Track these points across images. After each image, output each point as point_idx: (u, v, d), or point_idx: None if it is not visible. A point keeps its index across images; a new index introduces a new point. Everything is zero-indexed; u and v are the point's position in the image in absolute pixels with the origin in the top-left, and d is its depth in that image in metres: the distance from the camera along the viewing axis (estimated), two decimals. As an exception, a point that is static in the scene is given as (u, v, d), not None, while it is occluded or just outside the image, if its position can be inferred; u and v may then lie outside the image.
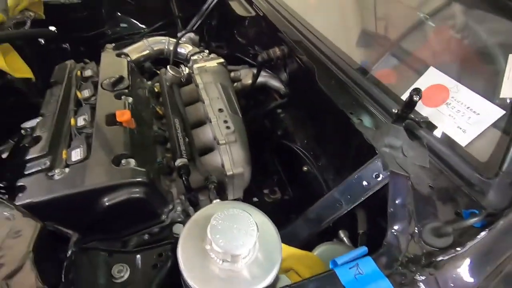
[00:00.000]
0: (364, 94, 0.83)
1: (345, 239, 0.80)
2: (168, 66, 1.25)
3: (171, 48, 1.50)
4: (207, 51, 1.44)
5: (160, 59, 1.55)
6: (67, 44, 1.56)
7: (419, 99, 0.62)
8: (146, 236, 0.80)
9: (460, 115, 0.65)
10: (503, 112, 0.62)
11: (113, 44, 1.50)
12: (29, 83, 1.04)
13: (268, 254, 0.53)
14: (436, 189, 0.58)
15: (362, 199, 0.73)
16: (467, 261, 0.48)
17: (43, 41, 1.30)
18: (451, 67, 0.75)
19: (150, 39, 1.55)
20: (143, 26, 1.91)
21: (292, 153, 1.28)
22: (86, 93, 1.00)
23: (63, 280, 0.54)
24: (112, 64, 1.13)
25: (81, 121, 0.88)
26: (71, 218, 0.70)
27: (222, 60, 1.34)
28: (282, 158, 1.46)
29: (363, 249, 0.52)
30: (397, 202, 0.58)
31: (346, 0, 1.42)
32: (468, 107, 0.65)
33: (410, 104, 0.64)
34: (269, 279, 0.50)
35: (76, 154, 0.78)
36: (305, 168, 1.23)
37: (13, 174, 0.76)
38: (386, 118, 0.75)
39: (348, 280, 0.48)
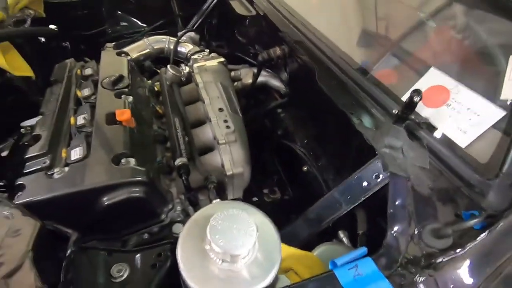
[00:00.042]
0: (365, 94, 0.83)
1: (344, 239, 0.80)
2: (168, 65, 1.25)
3: (171, 47, 1.50)
4: (207, 50, 1.44)
5: (160, 58, 1.55)
6: (67, 43, 1.56)
7: (420, 100, 0.62)
8: (145, 236, 0.80)
9: (460, 116, 0.65)
10: (504, 113, 0.62)
11: (113, 43, 1.50)
12: (29, 81, 1.04)
13: (267, 254, 0.53)
14: (436, 190, 0.58)
15: (362, 199, 0.73)
16: (467, 263, 0.48)
17: (43, 39, 1.29)
18: (452, 68, 0.74)
19: (151, 38, 1.54)
20: (144, 25, 1.91)
21: (292, 153, 1.28)
22: (86, 92, 1.00)
23: (62, 279, 0.54)
24: (112, 63, 1.13)
25: (81, 120, 0.88)
26: (70, 217, 0.71)
27: (222, 59, 1.34)
28: (282, 158, 1.46)
29: (363, 250, 0.52)
30: (397, 203, 0.58)
31: (347, 0, 1.42)
32: (468, 108, 0.65)
33: (410, 105, 0.64)
34: (268, 279, 0.50)
35: (76, 153, 0.78)
36: (305, 168, 1.23)
37: (13, 172, 0.76)
38: (386, 118, 0.74)
39: (348, 281, 0.48)
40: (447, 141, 0.64)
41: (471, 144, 0.62)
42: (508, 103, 0.62)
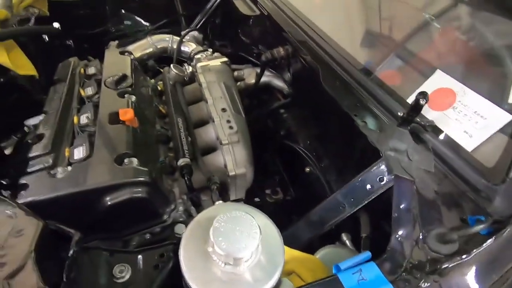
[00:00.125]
0: (369, 96, 0.83)
1: (347, 242, 0.79)
2: (171, 65, 1.24)
3: (175, 46, 1.50)
4: (210, 49, 1.43)
5: (163, 57, 1.55)
6: (71, 41, 1.56)
7: (426, 103, 0.61)
8: (147, 236, 0.80)
9: (466, 120, 0.64)
10: (511, 117, 0.61)
11: (117, 42, 1.50)
12: (33, 80, 1.04)
13: (270, 257, 0.52)
14: (441, 194, 0.57)
15: (366, 202, 0.72)
16: (473, 269, 0.47)
17: (47, 38, 1.29)
18: (458, 70, 0.74)
19: (154, 37, 1.54)
20: (147, 24, 1.91)
21: (295, 154, 1.27)
22: (89, 91, 1.00)
23: (64, 279, 0.54)
24: (116, 62, 1.13)
25: (84, 119, 0.88)
26: (73, 217, 0.70)
27: (225, 59, 1.33)
28: (284, 158, 1.45)
29: (367, 254, 0.52)
30: (401, 206, 0.57)
31: (351, 0, 1.41)
32: (475, 112, 0.64)
33: (416, 108, 0.63)
34: (271, 283, 0.50)
35: (79, 153, 0.78)
36: (307, 169, 1.22)
37: (16, 171, 0.76)
38: (391, 120, 0.74)
39: (351, 285, 0.47)
40: (452, 145, 0.63)
41: (477, 148, 0.61)
42: (516, 106, 0.61)
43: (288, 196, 1.38)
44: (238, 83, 1.40)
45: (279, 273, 0.51)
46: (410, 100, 0.75)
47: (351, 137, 0.92)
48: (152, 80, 1.29)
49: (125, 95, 0.96)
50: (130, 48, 1.43)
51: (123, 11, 1.88)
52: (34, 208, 0.60)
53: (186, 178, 0.87)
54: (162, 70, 1.32)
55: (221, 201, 0.84)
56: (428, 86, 0.73)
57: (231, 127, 0.99)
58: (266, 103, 1.47)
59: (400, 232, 0.54)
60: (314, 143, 1.23)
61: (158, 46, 1.52)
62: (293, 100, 1.35)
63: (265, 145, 1.43)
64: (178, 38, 1.52)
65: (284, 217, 1.22)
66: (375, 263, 0.49)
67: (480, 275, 0.47)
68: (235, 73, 1.42)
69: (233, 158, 0.94)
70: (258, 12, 1.43)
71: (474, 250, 0.47)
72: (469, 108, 0.65)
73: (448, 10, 1.04)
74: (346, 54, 0.98)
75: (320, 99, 1.07)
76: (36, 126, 0.89)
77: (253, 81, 1.39)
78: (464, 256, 0.48)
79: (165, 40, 1.54)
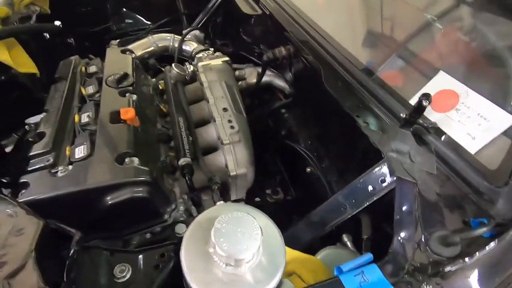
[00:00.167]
0: (371, 96, 0.82)
1: (348, 243, 0.79)
2: (173, 64, 1.24)
3: (176, 45, 1.49)
4: (212, 49, 1.43)
5: (164, 56, 1.54)
6: (72, 39, 1.56)
7: (429, 104, 0.61)
8: (148, 235, 0.80)
9: (470, 122, 0.64)
10: (515, 119, 0.61)
11: (118, 40, 1.49)
12: (34, 78, 1.04)
13: (272, 258, 0.52)
14: (444, 197, 0.57)
15: (367, 204, 0.72)
16: (476, 272, 0.47)
17: (48, 36, 1.29)
18: (461, 72, 0.73)
19: (155, 35, 1.54)
20: (148, 23, 1.91)
21: (296, 154, 1.27)
22: (90, 89, 1.00)
23: (65, 279, 0.54)
24: (117, 60, 1.13)
25: (85, 118, 0.88)
26: (73, 216, 0.70)
27: (227, 58, 1.33)
28: (285, 158, 1.45)
29: (368, 256, 0.52)
30: (403, 208, 0.57)
31: (353, 0, 1.41)
32: (478, 114, 0.64)
33: (419, 109, 0.63)
34: (273, 284, 0.49)
35: (80, 151, 0.78)
36: (308, 169, 1.22)
37: (17, 169, 0.76)
38: (393, 121, 0.73)
39: (353, 287, 0.47)
40: (455, 147, 0.63)
41: (480, 150, 0.61)
42: (520, 109, 0.61)
43: (288, 196, 1.38)
44: (239, 82, 1.40)
45: (280, 274, 0.51)
46: (413, 101, 0.75)
47: (352, 138, 0.92)
48: (153, 79, 1.28)
49: (126, 94, 0.95)
50: (131, 46, 1.42)
51: (124, 9, 1.88)
52: (34, 207, 0.60)
53: (187, 178, 0.86)
54: (163, 69, 1.32)
55: (222, 202, 0.84)
56: (431, 87, 0.73)
57: (232, 127, 0.99)
58: (267, 103, 1.46)
59: (402, 234, 0.54)
60: (315, 143, 1.23)
61: (159, 45, 1.52)
62: (295, 100, 1.34)
63: (266, 145, 1.43)
64: (180, 37, 1.52)
65: (285, 217, 1.21)
66: (377, 266, 0.49)
67: (482, 278, 0.47)
68: (237, 73, 1.41)
69: (234, 158, 0.94)
70: (260, 12, 1.43)
71: (477, 253, 0.47)
72: (472, 110, 0.64)
73: (450, 10, 1.04)
74: (348, 54, 0.98)
75: (322, 100, 1.07)
76: (37, 125, 0.89)
77: (254, 80, 1.39)
78: (466, 259, 0.47)
79: (166, 39, 1.53)
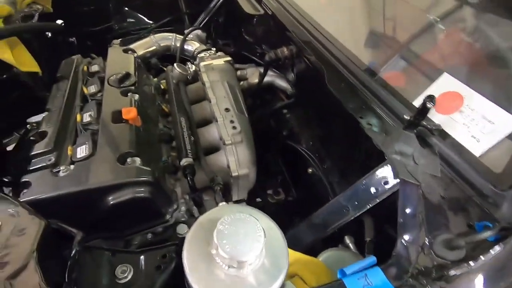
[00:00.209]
0: (374, 97, 0.82)
1: (350, 245, 0.79)
2: (175, 64, 1.24)
3: (178, 44, 1.49)
4: (214, 48, 1.43)
5: (166, 56, 1.54)
6: (74, 38, 1.56)
7: (433, 106, 0.60)
8: (149, 236, 0.80)
9: (474, 124, 0.63)
10: (520, 122, 0.60)
11: (120, 39, 1.49)
12: (36, 77, 1.04)
13: (274, 260, 0.52)
14: (448, 199, 0.57)
15: (370, 206, 0.72)
16: (481, 276, 0.46)
17: (50, 35, 1.29)
18: (465, 74, 0.73)
19: (157, 35, 1.53)
20: (150, 22, 1.90)
21: (297, 154, 1.27)
22: (92, 89, 0.99)
23: (66, 280, 0.54)
24: (119, 60, 1.13)
25: (87, 118, 0.88)
26: (75, 215, 0.70)
27: (229, 58, 1.33)
28: (286, 158, 1.45)
29: (372, 259, 0.51)
30: (407, 211, 0.57)
31: (356, 1, 1.40)
32: (483, 116, 0.63)
33: (423, 111, 0.62)
34: (275, 286, 0.49)
35: (82, 151, 0.77)
36: (309, 170, 1.22)
37: (18, 169, 0.76)
38: (396, 123, 0.73)
39: (357, 290, 0.47)
40: (459, 149, 0.62)
41: (485, 153, 0.60)
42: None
43: (290, 197, 1.38)
44: (241, 82, 1.40)
45: (283, 276, 0.51)
46: (416, 103, 0.74)
47: (355, 139, 0.91)
48: (155, 79, 1.28)
49: (128, 94, 0.95)
50: (133, 46, 1.42)
51: (126, 8, 1.87)
52: (36, 207, 0.60)
53: (189, 178, 0.86)
54: (165, 69, 1.31)
55: (224, 202, 0.84)
56: (435, 89, 0.72)
57: (234, 127, 0.99)
58: (269, 103, 1.46)
59: (405, 237, 0.54)
60: (317, 144, 1.23)
61: (161, 45, 1.52)
62: (297, 101, 1.34)
63: (268, 145, 1.43)
64: (182, 37, 1.51)
65: (286, 218, 1.21)
66: (381, 269, 0.49)
67: (487, 283, 0.46)
68: (238, 73, 1.41)
69: (236, 158, 0.94)
70: (262, 12, 1.43)
71: (482, 257, 0.47)
72: (476, 113, 0.64)
73: (454, 11, 1.03)
74: (351, 55, 0.97)
75: (324, 100, 1.06)
76: (38, 124, 0.89)
77: (256, 80, 1.39)
78: (471, 263, 0.47)
79: (168, 39, 1.53)
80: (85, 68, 1.10)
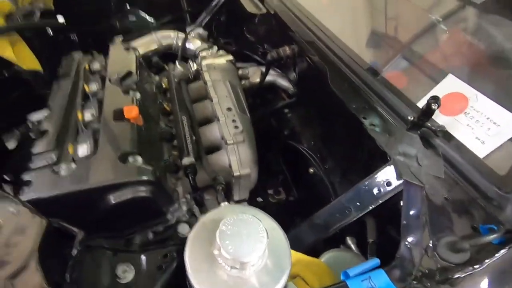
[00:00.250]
0: (377, 98, 0.81)
1: (352, 246, 0.79)
2: (177, 62, 1.23)
3: (180, 43, 1.48)
4: (216, 47, 1.42)
5: (167, 54, 1.53)
6: (75, 36, 1.55)
7: (438, 108, 0.60)
8: (150, 235, 0.79)
9: (479, 126, 0.63)
10: (524, 124, 0.60)
11: (121, 38, 1.48)
12: (37, 74, 1.03)
13: (277, 261, 0.52)
14: (452, 201, 0.56)
15: (372, 207, 0.71)
16: (485, 279, 0.46)
17: (51, 33, 1.28)
18: (470, 75, 0.72)
19: (159, 33, 1.53)
20: (152, 20, 1.89)
21: (298, 154, 1.26)
22: (93, 86, 0.99)
23: (68, 279, 0.53)
24: (121, 58, 1.12)
25: (88, 116, 0.87)
26: (76, 214, 0.70)
27: (231, 57, 1.32)
28: (287, 158, 1.44)
29: (375, 261, 0.51)
30: (410, 213, 0.56)
31: (358, 0, 1.40)
32: (487, 118, 0.63)
33: (427, 112, 0.62)
34: (278, 287, 0.49)
35: (83, 150, 0.77)
36: (311, 170, 1.21)
37: (19, 167, 0.75)
38: (400, 124, 0.73)
39: (360, 293, 0.46)
40: (464, 151, 0.62)
41: (489, 154, 0.60)
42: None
43: (291, 196, 1.37)
44: (242, 81, 1.39)
45: (285, 277, 0.50)
46: (420, 104, 0.74)
47: (357, 139, 0.91)
48: (157, 77, 1.28)
49: (130, 92, 0.95)
50: (134, 44, 1.41)
51: (127, 6, 1.86)
52: (37, 206, 0.59)
53: (190, 178, 0.86)
54: (166, 67, 1.31)
55: (226, 202, 0.83)
56: (439, 90, 0.72)
57: (236, 127, 0.98)
58: (270, 103, 1.46)
59: (409, 239, 0.53)
60: (319, 144, 1.22)
61: (163, 43, 1.51)
62: (298, 100, 1.33)
63: (269, 144, 1.42)
64: (183, 35, 1.51)
65: (287, 218, 1.21)
66: (384, 271, 0.48)
67: (492, 286, 0.46)
68: (240, 72, 1.41)
69: (238, 158, 0.93)
70: (264, 10, 1.42)
71: (487, 260, 0.46)
72: (481, 114, 0.64)
73: (457, 11, 1.03)
74: (354, 55, 0.97)
75: (326, 100, 1.06)
76: (39, 122, 0.88)
77: (257, 80, 1.38)
78: (476, 266, 0.47)
79: (170, 37, 1.52)
80: (87, 65, 1.10)
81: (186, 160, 0.88)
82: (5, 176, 0.78)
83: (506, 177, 0.56)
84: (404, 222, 0.56)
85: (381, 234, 0.75)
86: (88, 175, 0.70)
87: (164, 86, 1.21)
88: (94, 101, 0.92)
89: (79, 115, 0.88)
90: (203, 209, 0.89)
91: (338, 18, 1.25)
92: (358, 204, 0.74)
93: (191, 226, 0.82)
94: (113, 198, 0.70)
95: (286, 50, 1.20)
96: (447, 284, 0.46)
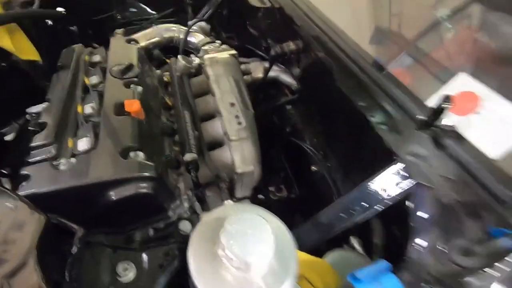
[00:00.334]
0: (385, 96, 0.80)
1: (356, 246, 0.77)
2: (179, 56, 1.21)
3: (182, 36, 1.45)
4: (218, 41, 1.39)
5: (168, 47, 1.51)
6: (75, 27, 1.52)
7: (450, 107, 0.58)
8: (151, 232, 0.78)
9: (491, 126, 0.61)
10: (538, 124, 0.58)
11: (123, 30, 1.46)
12: (36, 65, 1.01)
13: (283, 262, 0.50)
14: (463, 204, 0.55)
15: (380, 208, 0.70)
16: (498, 285, 0.45)
17: (50, 23, 1.25)
18: (482, 73, 0.71)
19: (160, 26, 1.50)
20: (153, 12, 1.86)
21: (300, 151, 1.25)
22: (94, 79, 0.96)
23: (67, 277, 0.52)
24: (121, 50, 1.09)
25: (88, 109, 0.85)
26: (75, 210, 0.68)
27: (234, 51, 1.30)
28: (289, 155, 1.43)
29: (384, 263, 0.50)
30: (420, 215, 0.55)
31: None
32: (500, 118, 0.61)
33: (438, 112, 0.60)
34: (284, 289, 0.48)
35: (83, 144, 0.75)
36: (313, 168, 1.20)
37: (17, 160, 0.73)
38: (409, 123, 0.71)
39: (369, 296, 0.45)
40: (475, 152, 0.60)
41: (502, 156, 0.58)
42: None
43: (292, 194, 1.36)
44: (245, 77, 1.37)
45: (292, 278, 0.49)
46: (429, 102, 0.72)
47: (362, 137, 0.89)
48: (158, 71, 1.25)
49: (131, 86, 0.92)
50: (135, 36, 1.39)
51: (128, -3, 1.83)
52: (35, 201, 0.58)
53: (192, 174, 0.84)
54: (168, 61, 1.28)
55: (230, 201, 0.82)
56: (449, 88, 0.70)
57: (239, 123, 0.96)
58: (272, 98, 1.43)
59: (418, 242, 0.52)
60: (321, 141, 1.21)
61: (165, 36, 1.48)
62: (301, 96, 1.31)
63: (270, 141, 1.40)
64: (185, 28, 1.48)
65: (288, 216, 1.19)
66: (395, 275, 0.47)
67: (506, 292, 0.45)
68: (242, 67, 1.38)
69: (242, 155, 0.92)
70: (268, 4, 1.39)
71: (500, 265, 0.45)
72: (494, 114, 0.62)
73: (465, 8, 1.01)
74: (361, 51, 0.95)
75: (331, 97, 1.04)
76: (38, 114, 0.86)
77: (260, 75, 1.36)
78: (488, 270, 0.45)
79: (171, 30, 1.49)
80: (87, 58, 1.07)
81: (188, 156, 0.86)
82: (3, 170, 0.76)
83: (520, 180, 0.54)
84: (413, 224, 0.54)
85: (387, 234, 0.74)
86: (88, 170, 0.68)
87: (166, 80, 1.19)
88: (94, 94, 0.90)
89: (79, 108, 0.86)
90: (205, 206, 0.88)
91: (344, 13, 1.23)
92: (364, 204, 0.73)
93: (192, 223, 0.80)
94: (113, 194, 0.68)
95: (290, 45, 1.17)
96: (459, 289, 0.45)
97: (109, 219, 0.73)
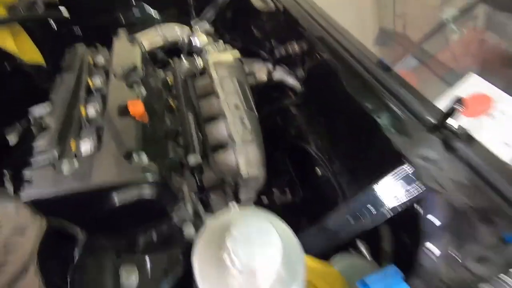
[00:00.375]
0: (393, 98, 0.78)
1: (363, 250, 0.76)
2: (183, 57, 1.20)
3: (185, 37, 1.45)
4: (222, 43, 1.38)
5: (171, 49, 1.50)
6: (78, 28, 1.52)
7: (461, 109, 0.57)
8: (154, 236, 0.77)
9: (504, 128, 0.60)
10: (552, 127, 0.57)
11: (126, 30, 1.45)
12: (39, 67, 1.00)
13: (290, 267, 0.49)
14: (475, 209, 0.53)
15: (390, 213, 0.68)
16: (515, 293, 0.43)
17: (54, 25, 1.25)
18: (490, 75, 0.69)
19: (164, 27, 1.49)
20: (156, 13, 1.86)
21: (305, 154, 1.23)
22: (97, 81, 0.96)
23: (69, 284, 0.51)
24: (125, 51, 1.09)
25: (91, 111, 0.84)
26: (77, 214, 0.67)
27: (238, 53, 1.29)
28: (293, 158, 1.41)
29: (394, 270, 0.48)
30: (431, 220, 0.53)
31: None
32: (513, 120, 0.60)
33: (449, 114, 0.58)
34: (291, 297, 0.46)
35: (86, 146, 0.74)
36: (318, 171, 1.18)
37: (20, 163, 0.72)
38: (418, 125, 0.69)
39: (380, 305, 0.44)
40: (487, 154, 0.59)
41: (515, 159, 0.57)
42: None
43: (296, 197, 1.34)
44: (249, 78, 1.35)
45: (299, 285, 0.48)
46: (439, 104, 0.71)
47: (369, 139, 0.88)
48: (162, 72, 1.24)
49: (135, 87, 0.92)
50: (138, 37, 1.38)
51: (132, -1, 1.83)
52: (37, 204, 0.57)
53: (197, 178, 0.83)
54: (171, 62, 1.27)
55: (235, 204, 0.80)
56: (460, 90, 0.68)
57: (244, 125, 0.95)
58: (276, 100, 1.42)
59: (430, 248, 0.50)
60: (326, 144, 1.19)
61: (168, 37, 1.47)
62: (306, 98, 1.30)
63: (274, 143, 1.39)
64: (189, 29, 1.47)
65: (292, 219, 1.18)
66: (406, 282, 0.45)
67: (523, 301, 0.43)
68: (246, 68, 1.37)
69: (246, 158, 0.90)
70: (272, 6, 1.38)
71: (516, 273, 0.43)
72: (507, 116, 0.60)
73: (471, 9, 0.99)
74: (368, 52, 0.93)
75: (337, 98, 1.03)
76: (41, 116, 0.86)
77: (263, 77, 1.35)
78: (503, 277, 0.44)
79: (175, 31, 1.49)
80: (90, 59, 1.07)
81: (193, 159, 0.85)
82: (5, 172, 0.75)
83: (534, 184, 0.53)
84: (424, 229, 0.53)
85: (396, 240, 0.72)
86: (91, 173, 0.67)
87: (169, 82, 1.18)
88: (98, 96, 0.89)
89: (82, 110, 0.85)
90: (209, 210, 0.87)
91: (349, 14, 1.21)
92: (371, 207, 0.71)
93: (196, 227, 0.79)
94: (116, 197, 0.67)
95: (295, 46, 1.16)
96: (474, 298, 0.43)
97: (112, 223, 0.72)
